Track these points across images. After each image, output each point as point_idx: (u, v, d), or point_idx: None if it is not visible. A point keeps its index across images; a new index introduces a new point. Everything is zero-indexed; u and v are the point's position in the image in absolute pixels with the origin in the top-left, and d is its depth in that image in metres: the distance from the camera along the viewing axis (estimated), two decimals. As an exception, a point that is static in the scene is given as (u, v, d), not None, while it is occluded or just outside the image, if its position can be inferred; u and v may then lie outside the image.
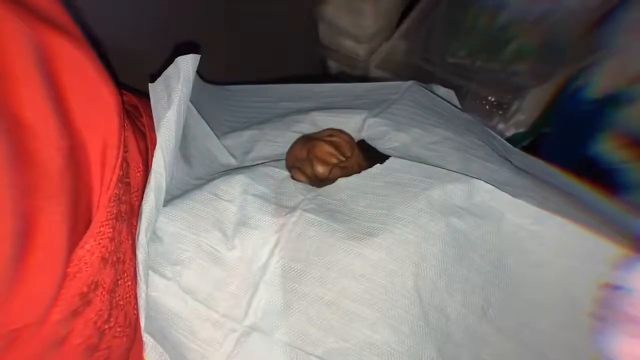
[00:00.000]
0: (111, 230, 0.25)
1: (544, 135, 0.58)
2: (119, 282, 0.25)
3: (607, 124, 0.53)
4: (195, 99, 0.31)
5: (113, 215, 0.24)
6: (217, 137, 0.34)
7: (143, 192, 0.26)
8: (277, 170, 0.31)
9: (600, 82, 0.55)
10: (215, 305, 0.26)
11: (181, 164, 0.31)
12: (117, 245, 0.25)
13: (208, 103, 0.36)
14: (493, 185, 0.27)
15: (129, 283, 0.26)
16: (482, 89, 0.57)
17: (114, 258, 0.25)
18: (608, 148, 0.53)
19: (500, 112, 0.57)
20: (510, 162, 0.33)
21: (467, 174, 0.29)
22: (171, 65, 0.26)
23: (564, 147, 0.56)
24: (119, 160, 0.24)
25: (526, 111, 0.58)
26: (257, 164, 0.33)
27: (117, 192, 0.25)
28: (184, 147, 0.31)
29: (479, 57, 0.60)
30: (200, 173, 0.31)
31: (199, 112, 0.32)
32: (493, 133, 0.37)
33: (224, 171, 0.32)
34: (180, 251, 0.27)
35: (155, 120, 0.27)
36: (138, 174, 0.28)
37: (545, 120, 0.58)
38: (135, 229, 0.26)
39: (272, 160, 0.33)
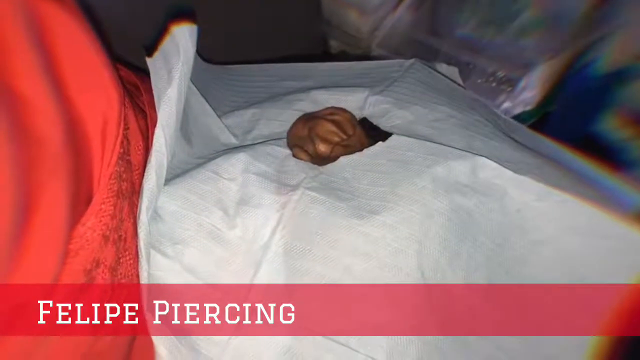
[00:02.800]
0: (112, 207, 0.24)
1: (550, 114, 0.57)
2: (121, 260, 0.25)
3: (614, 101, 0.52)
4: (195, 78, 0.30)
5: (114, 193, 0.24)
6: (218, 116, 0.33)
7: (144, 170, 0.26)
8: (279, 148, 0.31)
9: (608, 57, 0.54)
10: (217, 284, 0.26)
11: (182, 143, 0.30)
12: (119, 223, 0.25)
13: (208, 82, 0.35)
14: (496, 162, 0.27)
15: (131, 261, 0.26)
16: (490, 64, 0.56)
17: (115, 236, 0.25)
18: (613, 125, 0.53)
19: (509, 89, 0.56)
20: (514, 139, 0.33)
21: (470, 151, 0.28)
22: (168, 38, 0.26)
23: (569, 124, 0.55)
24: (120, 137, 0.24)
25: (534, 88, 0.57)
26: (259, 143, 0.32)
27: (118, 170, 0.24)
28: (185, 125, 0.30)
29: (487, 29, 0.59)
30: (201, 152, 0.31)
31: (199, 90, 0.32)
32: (496, 111, 0.37)
33: (225, 150, 0.31)
34: (181, 230, 0.26)
35: (155, 97, 0.26)
36: (139, 152, 0.27)
37: (552, 98, 0.57)
38: (137, 208, 0.26)
39: (273, 139, 0.33)
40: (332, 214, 0.26)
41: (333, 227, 0.26)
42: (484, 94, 0.56)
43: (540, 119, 0.58)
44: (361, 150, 0.30)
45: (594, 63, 0.54)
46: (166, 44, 0.26)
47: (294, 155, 0.31)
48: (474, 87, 0.57)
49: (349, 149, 0.30)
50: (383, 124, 0.32)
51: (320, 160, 0.31)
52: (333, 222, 0.26)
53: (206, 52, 0.36)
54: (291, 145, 0.32)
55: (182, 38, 0.26)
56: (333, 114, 0.32)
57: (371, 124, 0.32)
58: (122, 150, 0.24)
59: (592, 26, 0.53)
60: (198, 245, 0.26)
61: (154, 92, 0.26)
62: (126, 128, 0.25)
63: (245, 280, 0.26)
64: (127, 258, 0.26)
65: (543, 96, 0.58)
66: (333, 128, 0.31)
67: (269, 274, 0.26)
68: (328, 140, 0.31)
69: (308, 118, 0.32)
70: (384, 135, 0.30)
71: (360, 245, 0.25)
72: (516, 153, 0.30)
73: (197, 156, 0.31)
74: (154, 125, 0.25)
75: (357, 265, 0.25)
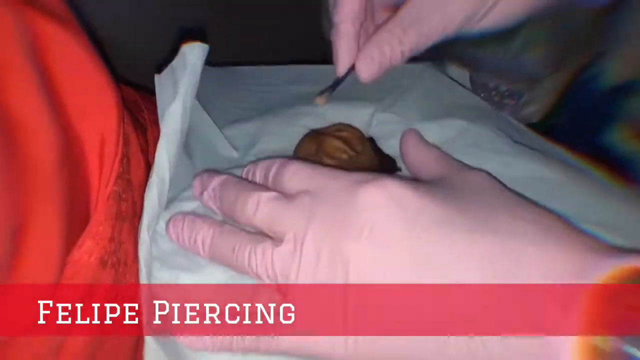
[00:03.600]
0: (110, 229, 0.23)
1: (555, 128, 0.56)
2: (120, 285, 0.24)
3: (623, 113, 0.51)
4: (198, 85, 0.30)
5: (112, 215, 0.23)
6: (219, 127, 0.32)
7: (145, 189, 0.25)
8: None
9: (615, 69, 0.53)
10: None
11: (184, 158, 0.29)
12: (117, 245, 0.24)
13: (209, 88, 0.34)
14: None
15: (130, 286, 0.25)
16: (492, 78, 0.56)
17: (114, 259, 0.24)
18: (623, 138, 0.52)
19: (512, 103, 0.55)
20: (525, 146, 0.32)
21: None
22: (178, 56, 0.25)
23: (576, 138, 0.54)
24: (119, 156, 0.23)
25: (538, 102, 0.56)
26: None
27: (117, 190, 0.23)
28: (186, 139, 0.29)
29: (487, 47, 0.58)
30: (201, 167, 0.30)
31: (200, 97, 0.31)
32: (507, 117, 0.37)
33: (227, 169, 0.30)
34: (175, 256, 0.26)
35: (159, 111, 0.25)
36: (140, 171, 0.26)
37: (558, 111, 0.56)
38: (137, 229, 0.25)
39: (277, 156, 0.32)
40: None
41: None
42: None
43: (545, 133, 0.57)
44: (369, 167, 0.29)
45: (600, 75, 0.53)
46: (175, 61, 0.25)
47: None
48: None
49: (357, 168, 0.30)
50: (390, 148, 0.31)
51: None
52: None
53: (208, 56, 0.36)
54: None
55: (191, 55, 0.25)
56: (341, 130, 0.31)
57: (376, 145, 0.32)
58: (121, 169, 0.24)
59: (596, 38, 0.53)
60: (195, 270, 0.25)
61: (158, 106, 0.25)
62: (126, 145, 0.24)
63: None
64: (127, 282, 0.25)
65: (547, 110, 0.57)
66: (341, 145, 0.30)
67: None
68: (336, 158, 0.30)
69: (315, 134, 0.31)
70: (390, 162, 0.30)
71: None
72: (528, 165, 0.30)
73: (197, 170, 0.30)
74: (156, 143, 0.24)
75: None
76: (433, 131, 0.30)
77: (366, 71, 0.26)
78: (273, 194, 0.24)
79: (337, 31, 0.26)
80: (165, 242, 0.26)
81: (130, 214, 0.25)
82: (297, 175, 0.24)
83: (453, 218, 0.20)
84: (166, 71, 0.25)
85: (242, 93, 0.37)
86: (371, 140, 0.31)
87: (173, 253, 0.25)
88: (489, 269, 0.19)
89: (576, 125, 0.54)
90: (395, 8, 0.26)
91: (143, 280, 0.23)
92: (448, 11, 0.25)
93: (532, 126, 0.58)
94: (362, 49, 0.26)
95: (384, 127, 0.32)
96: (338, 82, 0.27)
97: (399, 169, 0.30)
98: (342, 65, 0.27)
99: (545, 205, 0.23)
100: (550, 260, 0.18)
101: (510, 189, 0.23)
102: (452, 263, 0.19)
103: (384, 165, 0.30)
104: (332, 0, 0.27)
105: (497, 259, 0.19)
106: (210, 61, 0.37)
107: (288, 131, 0.33)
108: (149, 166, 0.27)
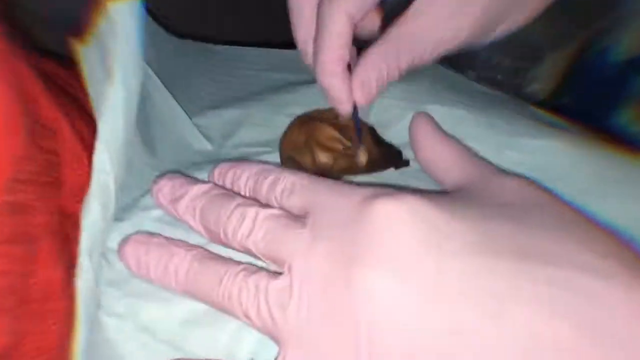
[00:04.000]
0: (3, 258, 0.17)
1: (562, 107, 0.53)
2: (25, 339, 0.18)
3: (633, 91, 0.49)
4: (159, 60, 0.24)
5: (5, 236, 0.17)
6: (189, 115, 0.27)
7: (84, 193, 0.20)
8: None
9: (626, 43, 0.50)
10: (184, 346, 0.19)
11: (140, 151, 0.24)
12: (14, 280, 0.18)
13: (179, 66, 0.29)
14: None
15: (53, 332, 0.19)
16: (495, 55, 0.52)
17: (10, 303, 0.18)
18: (634, 117, 0.49)
19: (516, 82, 0.52)
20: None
21: (500, 164, 0.23)
22: (103, 19, 0.19)
23: (584, 117, 0.51)
24: (11, 153, 0.17)
25: (543, 79, 0.53)
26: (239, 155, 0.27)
27: (12, 200, 0.17)
28: (144, 128, 0.24)
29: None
30: (167, 163, 0.25)
31: (166, 78, 0.25)
32: (522, 103, 0.33)
33: (198, 163, 0.25)
34: (137, 280, 0.20)
35: (92, 97, 0.20)
36: (78, 171, 0.21)
37: (565, 89, 0.53)
38: (70, 250, 0.19)
39: (258, 148, 0.27)
40: None
41: None
42: (490, 86, 0.52)
43: (552, 113, 0.54)
44: (369, 162, 0.25)
45: (610, 50, 0.50)
46: (101, 29, 0.19)
47: None
48: (479, 78, 0.53)
49: (354, 160, 0.25)
50: (393, 136, 0.27)
51: (320, 174, 0.25)
52: None
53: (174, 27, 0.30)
54: (284, 157, 0.26)
55: (122, 18, 0.19)
56: (336, 117, 0.26)
57: (377, 134, 0.27)
58: (22, 170, 0.18)
59: (606, 8, 0.49)
60: (159, 298, 0.20)
61: (90, 92, 0.20)
62: (50, 136, 0.19)
63: (220, 343, 0.20)
64: (44, 327, 0.19)
65: (554, 88, 0.54)
66: (335, 134, 0.25)
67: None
68: (330, 149, 0.25)
69: (305, 121, 0.26)
70: (393, 151, 0.26)
71: None
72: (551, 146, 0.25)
73: (162, 168, 0.25)
74: (95, 132, 0.19)
75: None
76: (444, 115, 0.26)
77: (362, 98, 0.24)
78: (276, 211, 0.19)
79: (327, 73, 0.24)
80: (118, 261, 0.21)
81: (49, 229, 0.19)
82: (301, 191, 0.20)
83: (499, 244, 0.16)
84: (91, 44, 0.20)
85: (219, 77, 0.32)
86: (370, 128, 0.26)
87: (129, 277, 0.20)
88: (573, 320, 0.14)
89: (585, 104, 0.51)
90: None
91: (80, 322, 0.18)
92: (451, 26, 0.22)
93: (538, 105, 0.54)
94: (356, 71, 0.23)
95: (385, 113, 0.27)
96: (358, 130, 0.25)
97: (407, 162, 0.25)
98: (347, 107, 0.24)
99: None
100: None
101: (561, 199, 0.19)
102: (510, 308, 0.14)
103: (387, 158, 0.25)
104: (301, 27, 0.25)
105: (577, 306, 0.14)
106: (180, 33, 0.31)
107: (272, 120, 0.28)
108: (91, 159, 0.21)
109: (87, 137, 0.21)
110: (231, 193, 0.21)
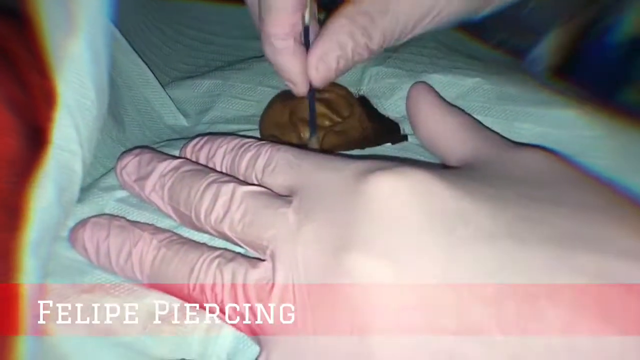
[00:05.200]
0: None
1: (566, 88, 0.51)
2: None
3: (638, 70, 0.47)
4: (128, 23, 0.22)
5: None
6: (162, 85, 0.24)
7: (23, 173, 0.17)
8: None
9: (631, 21, 0.49)
10: (147, 349, 0.17)
11: (109, 125, 0.21)
12: None
13: (151, 30, 0.26)
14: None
15: None
16: (495, 33, 0.50)
17: None
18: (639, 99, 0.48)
19: (517, 61, 0.50)
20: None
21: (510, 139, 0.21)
22: None
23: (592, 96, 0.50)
24: None
25: (544, 60, 0.51)
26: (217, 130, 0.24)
27: None
28: (111, 100, 0.22)
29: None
30: (136, 138, 0.23)
31: (135, 44, 0.23)
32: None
33: (170, 140, 0.23)
34: (96, 271, 0.18)
35: (51, 56, 0.17)
36: (9, 139, 0.18)
37: (567, 69, 0.51)
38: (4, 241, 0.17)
39: (239, 125, 0.25)
40: None
41: None
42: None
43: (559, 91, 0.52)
44: (361, 136, 0.22)
45: (615, 28, 0.49)
46: None
47: None
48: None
49: (345, 137, 0.22)
50: (389, 108, 0.24)
51: (308, 152, 0.22)
52: None
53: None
54: (266, 136, 0.23)
55: None
56: (322, 91, 0.23)
57: (371, 106, 0.24)
58: None
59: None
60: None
61: (50, 49, 0.17)
62: None
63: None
64: None
65: (556, 67, 0.52)
66: (322, 109, 0.23)
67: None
68: (317, 125, 0.22)
69: (288, 96, 0.24)
70: (389, 125, 0.23)
71: None
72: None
73: (130, 144, 0.23)
74: (47, 98, 0.16)
75: None
76: (446, 83, 0.23)
77: (318, 77, 0.20)
78: (256, 188, 0.17)
79: (275, 48, 0.20)
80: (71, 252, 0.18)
81: None
82: (284, 166, 0.17)
83: (523, 229, 0.13)
84: None
85: (195, 43, 0.30)
86: (363, 99, 0.24)
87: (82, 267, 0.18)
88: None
89: (589, 85, 0.49)
90: None
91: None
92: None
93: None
94: (314, 45, 0.19)
95: (379, 82, 0.25)
96: (313, 117, 0.22)
97: (406, 137, 0.23)
98: (301, 87, 0.21)
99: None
100: None
101: (589, 173, 0.16)
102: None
103: (382, 132, 0.23)
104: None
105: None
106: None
107: (254, 93, 0.26)
108: (29, 134, 0.18)
109: (17, 100, 0.18)
110: (205, 169, 0.19)
